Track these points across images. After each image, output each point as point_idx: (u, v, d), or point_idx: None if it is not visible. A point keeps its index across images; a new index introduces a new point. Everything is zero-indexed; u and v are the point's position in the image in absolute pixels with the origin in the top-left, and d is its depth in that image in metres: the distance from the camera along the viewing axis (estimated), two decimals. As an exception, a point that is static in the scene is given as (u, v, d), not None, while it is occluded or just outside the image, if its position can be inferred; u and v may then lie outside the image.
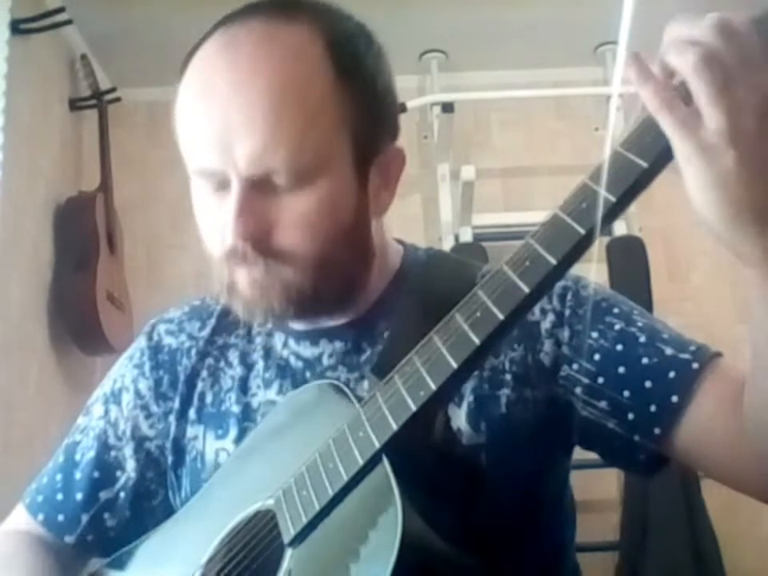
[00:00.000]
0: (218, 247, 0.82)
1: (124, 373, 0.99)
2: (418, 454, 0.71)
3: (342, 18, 0.85)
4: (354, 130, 0.81)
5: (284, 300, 0.82)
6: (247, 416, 0.90)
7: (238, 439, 0.89)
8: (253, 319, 0.86)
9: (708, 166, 0.58)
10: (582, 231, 0.64)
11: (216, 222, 0.82)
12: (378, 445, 0.69)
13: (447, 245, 2.82)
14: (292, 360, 0.92)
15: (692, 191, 0.60)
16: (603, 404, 0.83)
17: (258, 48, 0.78)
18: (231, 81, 0.77)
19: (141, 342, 1.00)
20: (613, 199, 0.63)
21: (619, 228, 2.76)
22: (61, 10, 2.60)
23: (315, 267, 0.81)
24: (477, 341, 0.67)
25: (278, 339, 0.93)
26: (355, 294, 0.89)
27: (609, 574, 2.41)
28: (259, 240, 0.79)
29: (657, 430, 0.80)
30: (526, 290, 0.66)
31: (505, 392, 0.85)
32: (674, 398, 0.79)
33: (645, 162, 0.62)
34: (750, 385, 0.72)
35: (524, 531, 0.85)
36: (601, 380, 0.83)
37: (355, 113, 0.81)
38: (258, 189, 0.78)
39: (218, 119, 0.77)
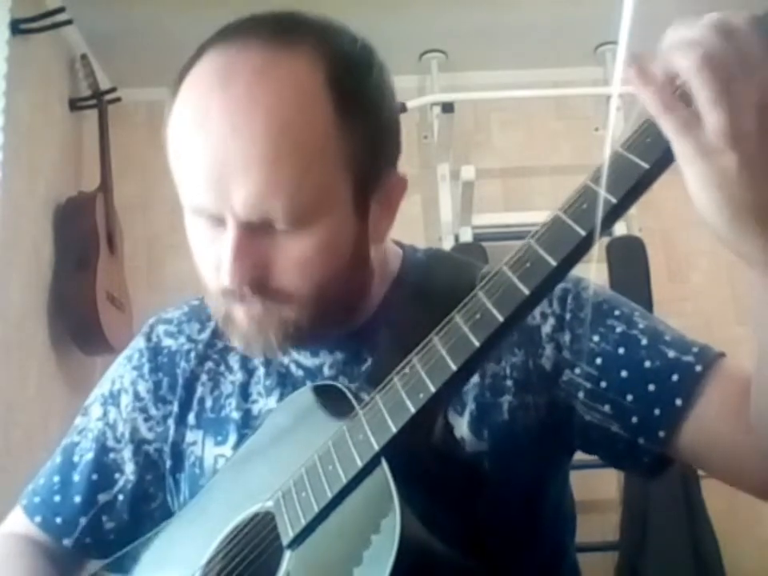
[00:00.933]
0: (213, 282, 0.81)
1: (123, 374, 0.98)
2: (418, 457, 0.71)
3: (344, 40, 0.81)
4: (354, 166, 0.78)
5: (281, 336, 0.81)
6: (247, 423, 0.90)
7: (238, 446, 0.89)
8: (250, 352, 0.86)
9: (709, 167, 0.58)
10: (583, 233, 0.64)
11: (211, 256, 0.80)
12: (376, 447, 0.69)
13: (447, 245, 2.82)
14: (293, 368, 0.91)
15: (693, 191, 0.60)
16: (606, 408, 0.83)
17: (255, 83, 0.74)
18: (227, 120, 0.73)
19: (140, 343, 0.99)
20: (614, 201, 0.63)
21: (619, 228, 2.76)
22: (61, 10, 2.60)
23: (313, 305, 0.80)
24: (477, 343, 0.67)
25: None
26: (354, 315, 0.89)
27: (609, 574, 2.41)
28: (256, 281, 0.78)
29: (661, 434, 0.80)
30: (526, 291, 0.66)
31: (506, 398, 0.85)
32: (678, 402, 0.79)
33: (646, 163, 0.62)
34: (756, 385, 0.72)
35: (524, 533, 0.85)
36: (603, 384, 0.83)
37: (356, 148, 0.77)
38: (255, 231, 0.76)
39: (213, 161, 0.74)
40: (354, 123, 0.77)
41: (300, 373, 0.91)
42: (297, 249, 0.77)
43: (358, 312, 0.89)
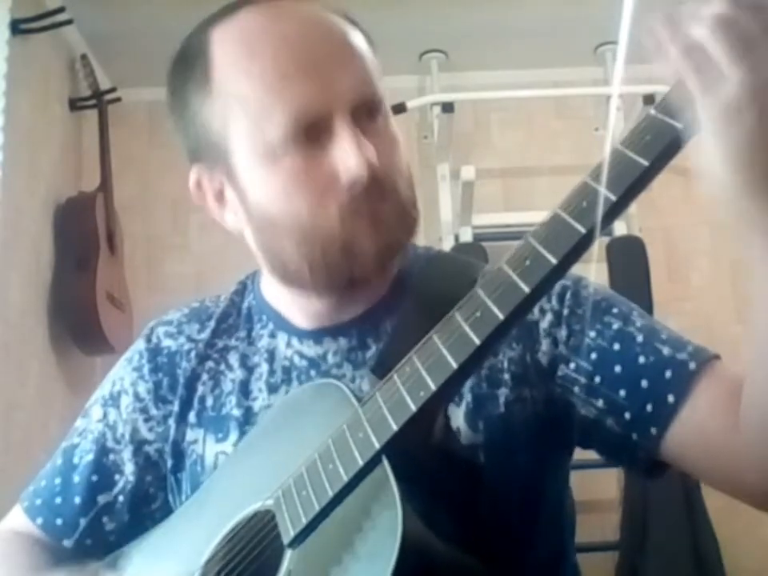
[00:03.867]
0: (327, 208, 0.81)
1: (123, 375, 0.98)
2: (418, 455, 0.71)
3: None
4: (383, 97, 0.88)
5: (402, 232, 0.85)
6: (248, 420, 0.90)
7: (238, 443, 0.89)
8: (380, 265, 0.84)
9: (731, 126, 0.58)
10: (583, 230, 0.64)
11: (318, 182, 0.81)
12: (377, 445, 0.69)
13: (447, 245, 2.82)
14: (296, 359, 0.91)
15: (712, 155, 0.60)
16: (600, 403, 0.83)
17: (310, 9, 0.85)
18: (310, 30, 0.82)
19: (139, 345, 0.99)
20: (613, 198, 0.63)
21: (619, 228, 2.76)
22: (61, 10, 2.60)
23: (407, 188, 0.86)
24: (477, 341, 0.67)
25: (282, 339, 0.93)
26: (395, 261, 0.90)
27: (609, 574, 2.41)
28: (378, 166, 0.80)
29: (653, 430, 0.80)
30: (527, 289, 0.66)
31: (503, 391, 0.85)
32: (670, 398, 0.79)
33: (645, 160, 0.62)
34: (751, 378, 0.71)
35: (524, 532, 0.85)
36: (597, 379, 0.83)
37: (381, 81, 0.87)
38: (359, 123, 0.81)
39: (308, 59, 0.80)
40: (376, 60, 0.87)
41: (304, 363, 0.91)
42: (386, 136, 0.85)
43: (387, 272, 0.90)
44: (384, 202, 0.82)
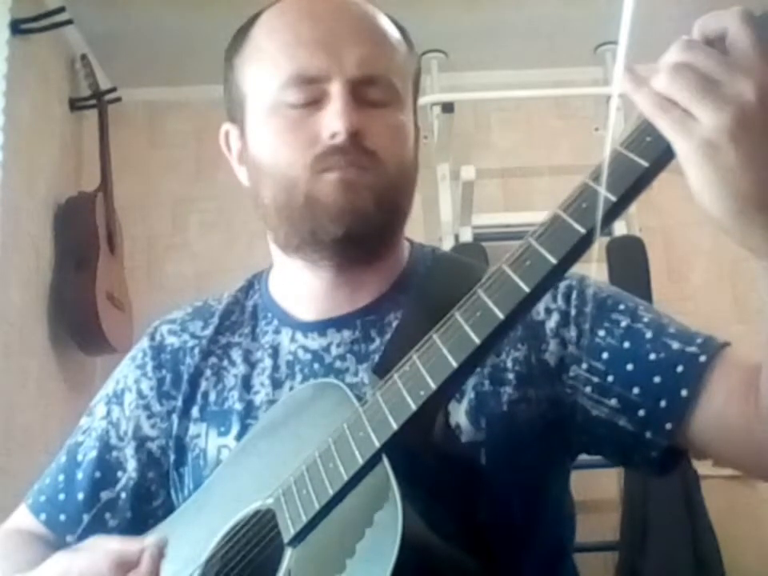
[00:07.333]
0: (303, 158, 0.86)
1: (126, 373, 1.00)
2: (418, 454, 0.71)
3: None
4: (413, 84, 0.94)
5: (372, 203, 0.85)
6: (249, 413, 0.91)
7: (240, 436, 0.90)
8: (336, 227, 0.86)
9: (710, 164, 0.58)
10: (583, 231, 0.64)
11: (302, 135, 0.86)
12: (378, 444, 0.69)
13: (447, 245, 2.82)
14: (300, 353, 0.92)
15: (697, 189, 0.60)
16: (613, 402, 0.83)
17: None
18: (335, 5, 0.90)
19: (143, 343, 1.01)
20: (613, 199, 0.63)
21: (619, 228, 2.76)
22: (61, 10, 2.60)
23: (395, 174, 0.88)
24: (477, 340, 0.67)
25: (286, 335, 0.94)
26: (391, 247, 0.93)
27: (609, 574, 2.41)
28: (360, 135, 0.85)
29: (668, 425, 0.80)
30: (527, 289, 0.66)
31: (507, 390, 0.86)
32: (684, 392, 0.80)
33: (645, 161, 0.62)
34: (766, 377, 0.73)
35: (524, 532, 0.85)
36: (610, 378, 0.84)
37: (413, 71, 0.95)
38: (356, 97, 0.86)
39: (325, 30, 0.87)
40: (412, 56, 0.95)
41: (307, 357, 0.91)
42: (387, 121, 0.88)
43: (390, 254, 0.93)
44: (361, 168, 0.85)
